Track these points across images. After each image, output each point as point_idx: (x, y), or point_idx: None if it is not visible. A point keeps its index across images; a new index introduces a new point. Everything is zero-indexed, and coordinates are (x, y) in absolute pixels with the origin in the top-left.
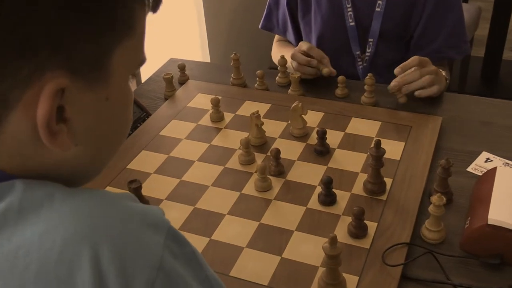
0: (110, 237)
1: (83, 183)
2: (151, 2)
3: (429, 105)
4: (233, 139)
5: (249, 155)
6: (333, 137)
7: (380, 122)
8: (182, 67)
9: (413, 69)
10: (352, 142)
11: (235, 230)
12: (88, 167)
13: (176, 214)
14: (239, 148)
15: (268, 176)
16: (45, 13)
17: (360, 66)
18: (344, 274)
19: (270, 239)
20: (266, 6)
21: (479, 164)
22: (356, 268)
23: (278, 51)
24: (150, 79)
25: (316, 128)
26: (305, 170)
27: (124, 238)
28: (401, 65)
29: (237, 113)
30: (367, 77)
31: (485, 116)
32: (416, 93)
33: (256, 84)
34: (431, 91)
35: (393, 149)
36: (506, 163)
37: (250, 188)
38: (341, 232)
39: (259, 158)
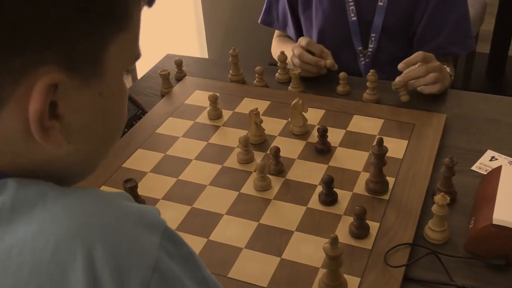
0: (104, 236)
1: (76, 182)
2: None
3: (433, 102)
4: (231, 137)
5: (248, 154)
6: (334, 135)
7: (382, 120)
8: (179, 63)
9: (418, 64)
10: (353, 140)
11: (233, 231)
12: (82, 165)
13: (173, 214)
14: (238, 147)
15: (267, 175)
16: (39, 8)
17: (362, 62)
18: (345, 276)
19: (270, 240)
20: (266, 0)
21: (484, 163)
22: (357, 269)
23: (278, 47)
24: (146, 75)
25: (317, 126)
26: (306, 169)
27: (119, 238)
28: (405, 60)
29: (235, 110)
30: (369, 73)
31: (490, 113)
32: (418, 88)
33: (255, 81)
34: (432, 89)
35: (395, 147)
36: None
37: (249, 188)
38: (342, 233)
39: (258, 157)
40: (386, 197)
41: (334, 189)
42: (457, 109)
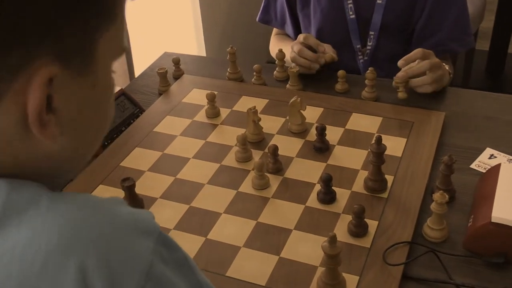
0: (97, 247)
1: (69, 177)
2: None
3: (432, 100)
4: (229, 135)
5: (246, 152)
6: (333, 133)
7: (381, 118)
8: (176, 61)
9: (417, 61)
10: (352, 139)
11: (231, 229)
12: (74, 159)
13: (170, 213)
14: (236, 145)
15: (265, 173)
16: (37, 5)
17: (361, 60)
18: (344, 274)
19: (268, 238)
20: None
21: (483, 161)
22: (356, 268)
23: (276, 45)
24: (143, 73)
25: (315, 124)
26: (304, 167)
27: (112, 246)
28: (404, 57)
29: (233, 108)
30: (368, 71)
31: (490, 111)
32: (413, 85)
33: (253, 79)
34: (427, 88)
35: (394, 145)
36: (511, 159)
37: (247, 186)
38: (341, 231)
39: (257, 155)
40: (385, 195)
41: (333, 187)
42: (456, 107)
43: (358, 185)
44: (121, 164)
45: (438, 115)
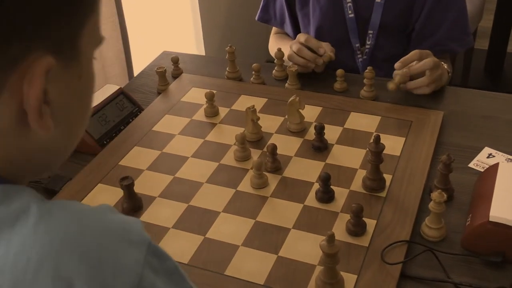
0: (86, 258)
1: (55, 169)
2: None
3: (431, 99)
4: (228, 134)
5: (244, 151)
6: (331, 132)
7: (379, 117)
8: (175, 60)
9: (415, 63)
10: (351, 138)
11: (230, 228)
12: (62, 150)
13: (169, 212)
14: (235, 144)
15: (264, 172)
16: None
17: (360, 59)
18: (342, 273)
19: (267, 237)
20: None
21: (481, 160)
22: (354, 267)
23: (275, 44)
24: (142, 72)
25: (314, 123)
26: (303, 166)
27: (101, 258)
28: (401, 59)
29: (232, 107)
30: (367, 70)
31: (488, 110)
32: (410, 88)
33: (252, 78)
34: (424, 90)
35: (393, 144)
36: (509, 158)
37: (245, 185)
38: (339, 230)
39: (255, 154)
40: (383, 194)
41: (331, 186)
42: (455, 106)
43: (357, 184)
44: (120, 163)
45: (437, 114)
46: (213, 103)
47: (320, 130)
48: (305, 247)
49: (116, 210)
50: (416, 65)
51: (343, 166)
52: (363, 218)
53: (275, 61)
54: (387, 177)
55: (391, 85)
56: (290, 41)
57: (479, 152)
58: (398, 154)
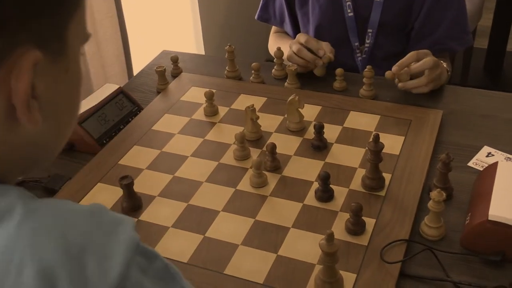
0: (71, 259)
1: (44, 166)
2: None
3: (430, 98)
4: (227, 133)
5: (244, 150)
6: (331, 132)
7: (379, 116)
8: (175, 60)
9: (413, 63)
10: (350, 137)
11: (229, 227)
12: (51, 146)
13: (169, 211)
14: (234, 143)
15: (263, 171)
16: None
17: (359, 58)
18: (342, 272)
19: (266, 236)
20: None
21: (480, 159)
22: (353, 266)
23: (275, 43)
24: (142, 72)
25: (313, 122)
26: (302, 165)
27: (86, 255)
28: (398, 62)
29: (232, 107)
30: (366, 69)
31: (487, 109)
32: (408, 88)
33: (251, 77)
34: (423, 90)
35: (392, 143)
36: (508, 157)
37: (245, 184)
38: (339, 229)
39: (255, 153)
40: (383, 193)
41: (331, 185)
42: (454, 105)
43: (356, 183)
44: (119, 162)
45: (436, 113)
46: (213, 102)
47: (319, 129)
48: (305, 246)
49: (108, 209)
50: (416, 65)
51: (343, 165)
52: (363, 217)
53: (274, 60)
54: (387, 176)
55: (388, 74)
56: (289, 40)
57: (478, 151)
58: (398, 153)
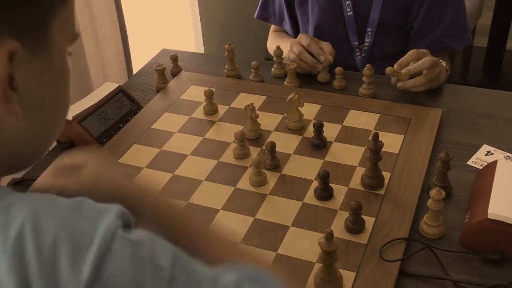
0: (43, 253)
1: (31, 163)
2: None
3: (429, 97)
4: (227, 132)
5: (243, 149)
6: (330, 130)
7: (378, 115)
8: (174, 58)
9: (412, 63)
10: (349, 135)
11: (229, 226)
12: (34, 144)
13: None
14: (234, 142)
15: (263, 170)
16: None
17: (359, 57)
18: (341, 270)
19: (266, 235)
20: None
21: (480, 158)
22: (353, 264)
23: (274, 42)
24: (141, 70)
25: (313, 121)
26: (301, 164)
27: (59, 251)
28: (398, 61)
29: (231, 105)
30: (366, 68)
31: (487, 108)
32: (407, 87)
33: (251, 76)
34: (421, 88)
35: (391, 142)
36: (507, 156)
37: (244, 183)
38: (338, 227)
39: (254, 152)
40: (382, 192)
41: (330, 184)
42: (453, 103)
43: (355, 182)
44: (119, 161)
45: (435, 112)
46: (212, 101)
47: (319, 128)
48: (304, 245)
49: (94, 202)
50: (415, 64)
51: (342, 163)
52: (362, 216)
53: (274, 59)
54: (386, 175)
55: (388, 70)
56: (289, 39)
57: (477, 150)
58: (397, 152)
